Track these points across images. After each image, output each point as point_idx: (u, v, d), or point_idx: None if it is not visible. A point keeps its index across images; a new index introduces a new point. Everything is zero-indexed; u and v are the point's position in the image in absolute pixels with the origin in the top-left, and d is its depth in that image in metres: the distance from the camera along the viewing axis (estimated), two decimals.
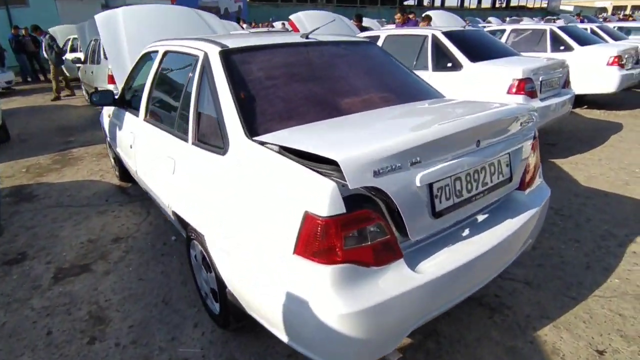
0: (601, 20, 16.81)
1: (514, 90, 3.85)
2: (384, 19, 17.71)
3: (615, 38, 8.25)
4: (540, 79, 4.03)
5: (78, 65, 8.50)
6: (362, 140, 1.32)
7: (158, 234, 3.01)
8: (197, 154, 1.77)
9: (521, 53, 5.14)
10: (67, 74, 10.45)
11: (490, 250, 1.46)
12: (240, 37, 2.13)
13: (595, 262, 2.50)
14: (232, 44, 1.93)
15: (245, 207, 1.41)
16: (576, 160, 4.37)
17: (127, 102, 3.02)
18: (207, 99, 1.79)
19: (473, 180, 1.48)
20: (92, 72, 7.32)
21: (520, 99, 3.83)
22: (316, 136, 1.45)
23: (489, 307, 2.12)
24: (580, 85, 5.92)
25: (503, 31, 7.34)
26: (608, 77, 6.04)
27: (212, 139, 1.70)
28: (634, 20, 13.54)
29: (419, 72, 4.48)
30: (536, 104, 3.93)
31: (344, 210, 1.15)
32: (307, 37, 2.15)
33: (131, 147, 2.72)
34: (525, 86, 3.83)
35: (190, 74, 1.99)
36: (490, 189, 1.56)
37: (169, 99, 2.31)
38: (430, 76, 4.35)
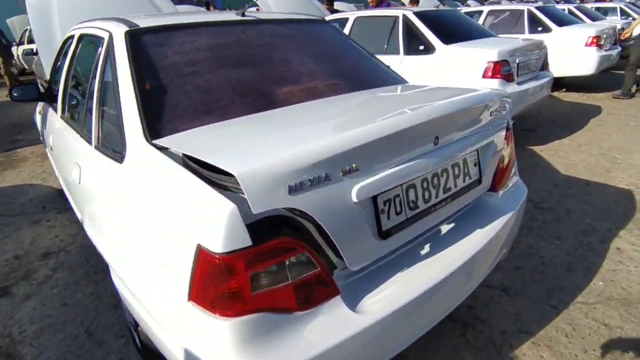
0: (578, 0, 16.72)
1: (489, 73, 3.58)
2: (361, 4, 17.19)
3: (593, 18, 8.09)
4: (517, 61, 3.77)
5: (35, 57, 7.88)
6: (279, 143, 1.00)
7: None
8: (99, 161, 1.43)
9: (499, 35, 4.88)
10: (26, 67, 9.72)
11: (456, 271, 1.18)
12: (161, 15, 1.77)
13: (577, 262, 2.28)
14: (145, 22, 1.57)
15: (140, 233, 1.09)
16: (555, 146, 4.17)
17: (51, 96, 2.62)
18: (110, 91, 1.44)
19: (432, 186, 1.19)
20: (41, 64, 6.74)
21: (495, 83, 3.57)
22: (227, 138, 1.12)
23: (461, 322, 1.86)
24: (559, 67, 5.72)
25: (480, 12, 7.08)
26: (587, 59, 5.86)
27: (113, 141, 1.36)
28: (610, 0, 13.46)
29: (390, 57, 4.20)
30: (513, 87, 3.68)
31: (249, 243, 0.84)
32: (243, 15, 1.81)
33: (52, 149, 2.35)
34: (501, 69, 3.57)
35: (96, 61, 1.63)
36: (454, 195, 1.27)
37: (78, 92, 1.94)
38: (402, 60, 4.06)
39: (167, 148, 1.12)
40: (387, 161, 1.03)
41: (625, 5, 10.76)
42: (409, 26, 4.07)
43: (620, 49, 6.64)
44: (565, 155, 3.90)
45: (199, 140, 1.11)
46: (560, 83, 6.51)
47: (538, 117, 5.18)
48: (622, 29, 7.45)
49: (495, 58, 3.55)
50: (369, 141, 0.96)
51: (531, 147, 4.15)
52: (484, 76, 3.60)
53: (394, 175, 1.03)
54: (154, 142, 1.16)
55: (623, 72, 6.05)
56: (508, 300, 2.01)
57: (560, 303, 1.97)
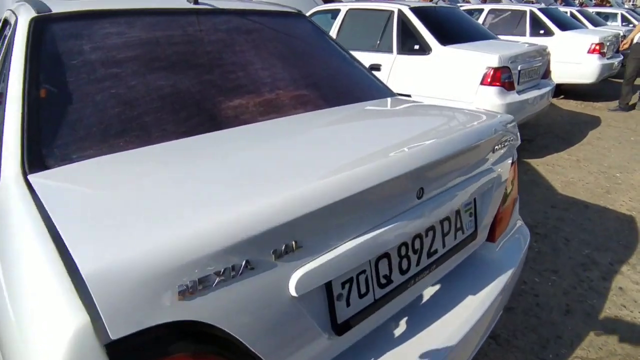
0: (577, 4, 16.47)
1: (488, 80, 3.28)
2: None
3: (595, 23, 7.83)
4: (519, 68, 3.47)
5: None
6: (181, 205, 0.66)
7: None
8: None
9: (499, 36, 4.57)
10: None
11: None
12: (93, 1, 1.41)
13: (575, 304, 2.02)
14: (61, 7, 1.23)
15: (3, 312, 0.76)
16: (553, 161, 3.92)
17: None
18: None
19: (412, 251, 0.88)
20: None
21: (494, 90, 3.27)
22: (120, 184, 0.78)
23: None
24: (559, 73, 5.46)
25: (481, 11, 6.76)
26: (588, 66, 5.60)
27: None
28: (610, 5, 13.24)
29: (382, 55, 3.86)
30: (513, 97, 3.40)
31: None
32: (196, 2, 1.47)
33: None
34: (502, 76, 3.27)
35: (1, 54, 1.29)
36: (441, 259, 0.97)
37: None
38: (394, 60, 3.73)
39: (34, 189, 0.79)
40: (348, 230, 0.72)
41: (626, 12, 10.53)
42: (404, 23, 3.74)
43: (622, 57, 6.40)
44: (563, 172, 3.65)
45: (79, 186, 0.78)
46: (559, 89, 6.26)
47: (536, 126, 4.92)
48: (624, 36, 7.22)
49: (495, 64, 3.24)
50: (320, 207, 0.65)
51: (528, 160, 3.90)
52: (482, 83, 3.30)
53: (358, 249, 0.72)
54: (30, 177, 0.83)
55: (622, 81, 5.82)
56: (498, 350, 1.74)
57: (557, 358, 1.71)
